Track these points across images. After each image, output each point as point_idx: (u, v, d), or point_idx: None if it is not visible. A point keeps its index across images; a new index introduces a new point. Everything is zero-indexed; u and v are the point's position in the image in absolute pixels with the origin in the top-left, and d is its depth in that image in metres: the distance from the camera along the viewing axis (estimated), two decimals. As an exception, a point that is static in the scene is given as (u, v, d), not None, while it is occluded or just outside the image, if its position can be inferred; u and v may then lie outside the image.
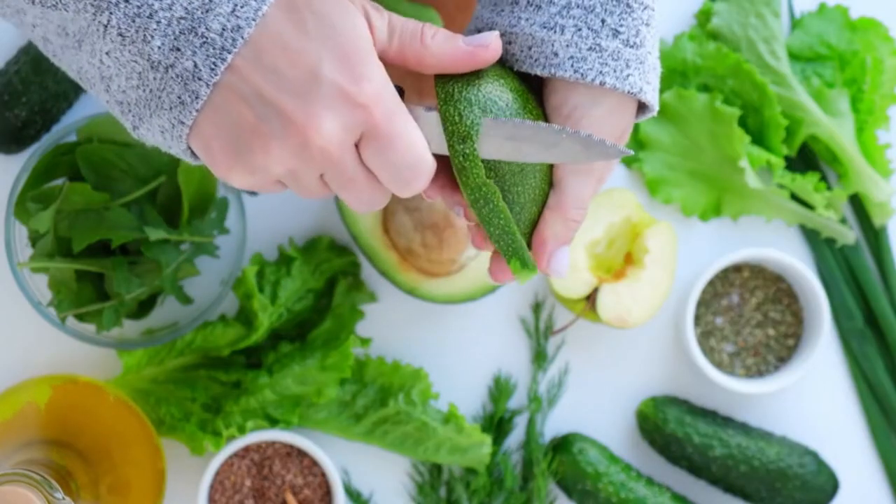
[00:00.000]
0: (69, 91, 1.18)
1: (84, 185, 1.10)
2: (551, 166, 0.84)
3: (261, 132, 0.78)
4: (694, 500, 1.25)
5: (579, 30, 0.82)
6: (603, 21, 0.82)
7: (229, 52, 0.77)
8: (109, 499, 1.10)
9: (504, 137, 0.81)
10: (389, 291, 1.23)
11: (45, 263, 1.11)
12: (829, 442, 1.25)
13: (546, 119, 0.84)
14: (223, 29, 0.77)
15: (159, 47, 0.78)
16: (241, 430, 1.16)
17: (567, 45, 0.82)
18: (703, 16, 1.25)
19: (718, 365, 1.23)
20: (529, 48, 0.83)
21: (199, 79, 0.78)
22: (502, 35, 0.84)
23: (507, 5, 0.85)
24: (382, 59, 0.81)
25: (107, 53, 0.79)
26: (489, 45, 0.81)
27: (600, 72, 0.82)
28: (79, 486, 1.08)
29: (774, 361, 1.24)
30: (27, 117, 1.17)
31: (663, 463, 1.25)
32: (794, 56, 1.24)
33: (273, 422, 1.17)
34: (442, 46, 0.81)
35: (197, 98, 0.78)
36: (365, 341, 1.20)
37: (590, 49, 0.82)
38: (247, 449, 1.18)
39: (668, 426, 1.21)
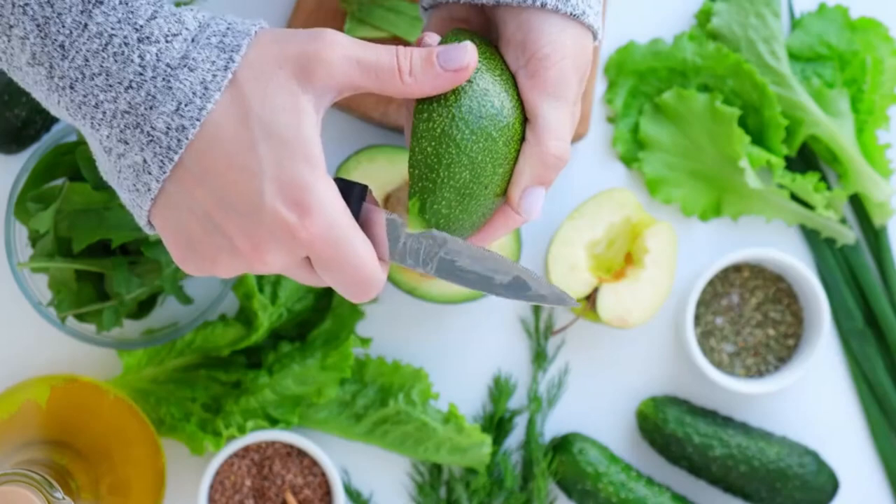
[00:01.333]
0: (69, 91, 1.18)
1: (84, 185, 1.10)
2: (521, 123, 0.83)
3: (208, 244, 0.79)
4: (694, 500, 1.25)
5: None
6: None
7: (175, 153, 0.77)
8: (109, 499, 1.10)
9: (467, 257, 0.81)
10: (389, 291, 1.23)
11: (45, 263, 1.11)
12: (829, 442, 1.25)
13: (502, 58, 0.83)
14: (168, 128, 0.76)
15: (107, 136, 0.78)
16: (241, 430, 1.16)
17: None
18: (703, 16, 1.25)
19: (718, 365, 1.23)
20: None
21: (150, 173, 0.78)
22: None
23: None
24: (367, 92, 0.81)
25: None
26: (466, 65, 0.79)
27: None
28: (79, 486, 1.08)
29: (774, 361, 1.24)
30: (27, 117, 1.17)
31: (663, 463, 1.25)
32: (794, 56, 1.24)
33: (273, 422, 1.17)
34: (422, 80, 0.80)
35: (149, 191, 0.78)
36: (365, 341, 1.20)
37: None
38: (247, 449, 1.18)
39: (668, 426, 1.21)
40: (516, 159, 0.83)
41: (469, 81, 0.81)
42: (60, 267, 1.11)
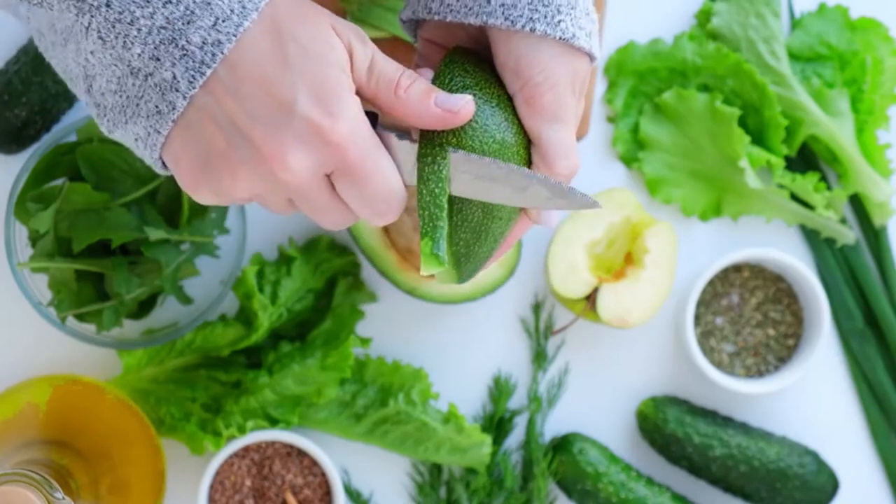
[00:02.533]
0: (69, 91, 1.18)
1: (84, 185, 1.10)
2: (525, 148, 0.83)
3: (229, 157, 0.78)
4: (694, 500, 1.25)
5: None
6: None
7: (209, 67, 0.77)
8: (109, 499, 1.10)
9: (474, 175, 0.81)
10: (389, 291, 1.23)
11: (45, 263, 1.11)
12: (829, 442, 1.25)
13: (498, 79, 0.84)
14: (203, 42, 0.77)
15: (139, 55, 0.77)
16: (241, 430, 1.16)
17: None
18: (703, 16, 1.25)
19: (718, 365, 1.23)
20: None
21: (177, 90, 0.78)
22: None
23: None
24: (358, 93, 0.81)
25: (91, 53, 0.79)
26: (459, 112, 0.80)
27: (530, 18, 0.81)
28: (79, 486, 1.08)
29: (774, 361, 1.24)
30: (27, 117, 1.17)
31: (663, 463, 1.25)
32: (794, 56, 1.24)
33: (273, 422, 1.17)
34: (414, 103, 0.80)
35: (174, 109, 0.78)
36: (365, 341, 1.20)
37: None
38: (247, 449, 1.18)
39: (668, 426, 1.21)
40: None
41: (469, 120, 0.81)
42: (60, 267, 1.11)
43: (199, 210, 1.15)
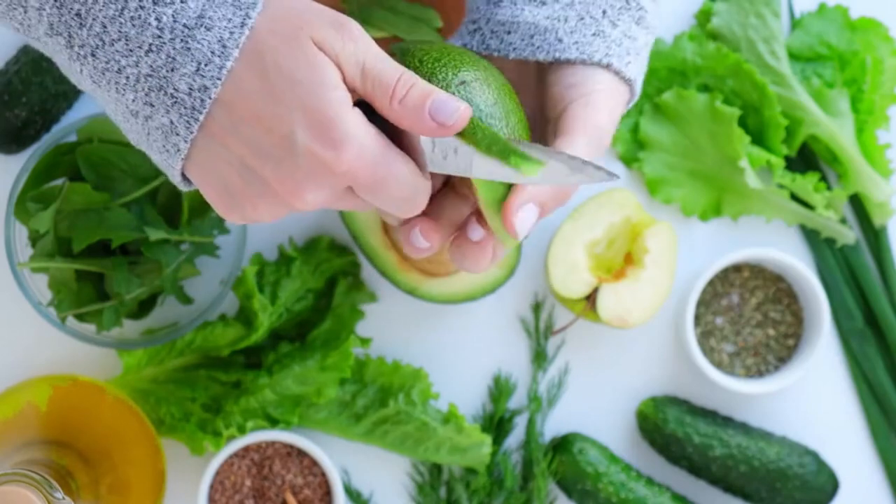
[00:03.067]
0: (69, 91, 1.18)
1: (84, 185, 1.10)
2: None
3: (247, 193, 0.79)
4: (694, 500, 1.25)
5: (582, 18, 0.85)
6: (604, 12, 0.85)
7: (200, 112, 0.77)
8: (109, 499, 1.10)
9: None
10: (389, 291, 1.23)
11: (45, 263, 1.11)
12: (829, 442, 1.25)
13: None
14: (190, 89, 0.77)
15: (133, 100, 0.78)
16: (241, 430, 1.16)
17: (571, 32, 0.85)
18: (703, 16, 1.25)
19: (718, 365, 1.23)
20: (531, 37, 0.85)
21: (178, 134, 0.78)
22: (501, 25, 0.85)
23: (508, 1, 0.86)
24: (353, 93, 0.80)
25: (93, 91, 0.80)
26: (453, 125, 0.79)
27: (606, 53, 0.84)
28: (79, 486, 1.08)
29: (774, 361, 1.24)
30: (27, 117, 1.17)
31: (663, 463, 1.25)
32: (794, 56, 1.24)
33: (273, 422, 1.17)
34: (409, 113, 0.79)
35: (178, 151, 0.79)
36: (365, 341, 1.20)
37: (594, 35, 0.85)
38: (247, 449, 1.18)
39: (668, 426, 1.21)
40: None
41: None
42: (60, 267, 1.11)
43: (199, 210, 1.15)
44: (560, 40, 0.84)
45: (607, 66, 0.84)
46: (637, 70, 0.86)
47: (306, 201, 0.78)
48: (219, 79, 0.77)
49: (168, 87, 0.77)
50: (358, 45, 0.79)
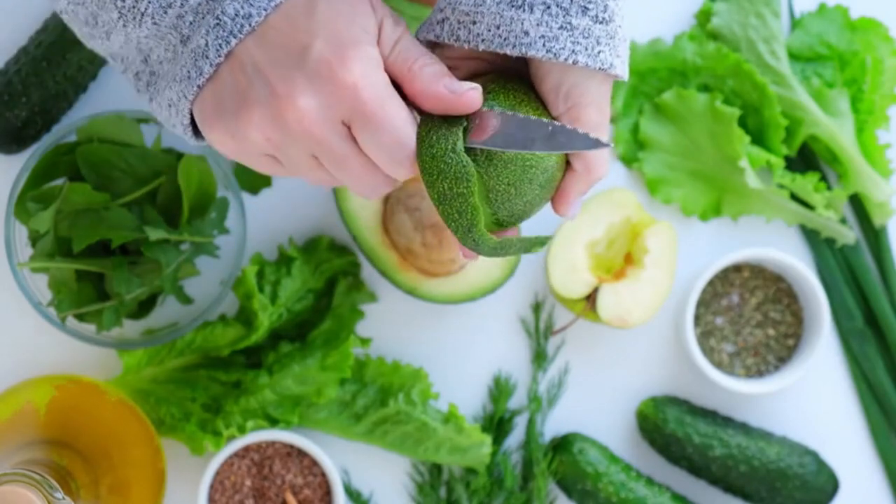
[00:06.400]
0: (69, 91, 1.18)
1: (84, 185, 1.10)
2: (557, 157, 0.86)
3: (247, 97, 0.81)
4: (694, 500, 1.25)
5: (548, 7, 0.83)
6: None
7: (235, 38, 0.81)
8: (109, 499, 1.10)
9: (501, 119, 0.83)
10: (389, 291, 1.23)
11: (45, 263, 1.11)
12: (829, 442, 1.25)
13: (543, 103, 0.86)
14: (236, 14, 0.81)
15: (181, 19, 0.82)
16: (241, 430, 1.16)
17: (537, 24, 0.83)
18: (703, 16, 1.25)
19: (718, 365, 1.23)
20: (497, 27, 0.83)
21: (206, 57, 0.81)
22: (466, 14, 0.84)
23: None
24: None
25: (145, 36, 0.84)
26: (462, 95, 0.82)
27: (573, 51, 0.83)
28: (79, 486, 1.08)
29: (774, 361, 1.24)
30: (27, 117, 1.17)
31: (663, 463, 1.25)
32: (794, 56, 1.24)
33: (273, 422, 1.17)
34: (423, 79, 0.82)
35: (200, 74, 0.82)
36: (365, 341, 1.20)
37: (560, 28, 0.83)
38: (247, 449, 1.18)
39: (668, 426, 1.21)
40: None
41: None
42: (60, 267, 1.11)
43: (199, 210, 1.15)
44: (526, 33, 0.83)
45: (574, 64, 0.83)
46: (609, 55, 0.84)
47: (298, 105, 0.79)
48: (265, 10, 0.80)
49: (217, 9, 0.81)
50: (399, 28, 0.83)
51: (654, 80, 1.24)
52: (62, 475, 1.07)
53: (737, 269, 1.24)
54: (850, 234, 1.24)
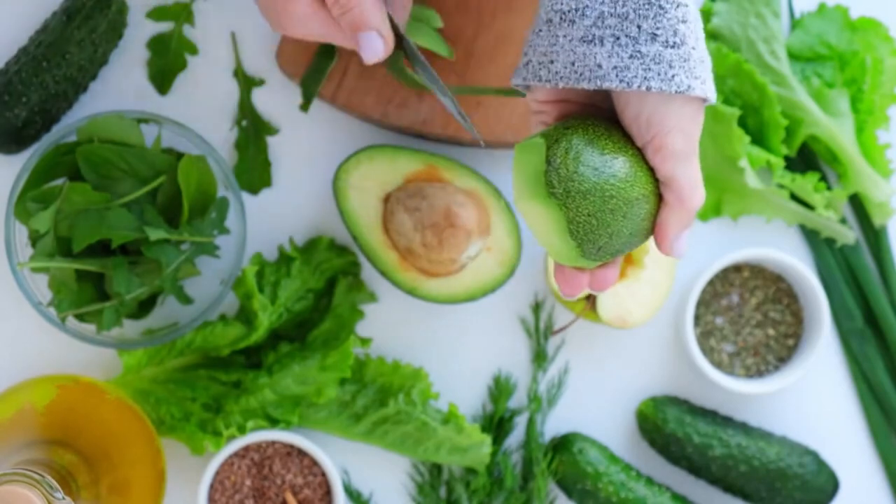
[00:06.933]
0: (69, 91, 1.18)
1: (84, 185, 1.10)
2: (652, 188, 0.87)
3: None
4: (694, 500, 1.25)
5: (617, 39, 0.84)
6: (639, 27, 0.84)
7: None
8: (109, 499, 1.10)
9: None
10: (389, 291, 1.23)
11: (45, 263, 1.11)
12: (829, 442, 1.25)
13: (628, 138, 0.87)
14: None
15: None
16: (241, 430, 1.16)
17: (609, 56, 0.84)
18: (703, 16, 1.25)
19: (718, 365, 1.23)
20: (573, 63, 0.85)
21: None
22: (544, 55, 0.86)
23: (543, 24, 0.86)
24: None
25: None
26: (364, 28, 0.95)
27: (645, 77, 0.84)
28: (79, 486, 1.08)
29: (774, 361, 1.24)
30: (27, 117, 1.17)
31: (663, 463, 1.25)
32: (794, 56, 1.24)
33: (273, 422, 1.17)
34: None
35: None
36: (365, 341, 1.20)
37: (631, 57, 0.84)
38: (247, 449, 1.18)
39: (668, 426, 1.21)
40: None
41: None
42: (60, 267, 1.11)
43: (199, 210, 1.15)
44: (599, 66, 0.84)
45: (648, 90, 0.84)
46: (685, 77, 0.84)
47: None
48: None
49: None
50: None
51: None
52: (62, 475, 1.07)
53: (737, 269, 1.24)
54: (850, 234, 1.24)
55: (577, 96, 0.89)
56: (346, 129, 1.22)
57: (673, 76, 0.84)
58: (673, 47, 0.84)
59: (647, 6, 0.84)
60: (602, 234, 0.85)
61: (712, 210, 1.24)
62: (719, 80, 1.22)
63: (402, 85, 1.18)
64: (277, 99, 1.22)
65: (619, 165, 0.85)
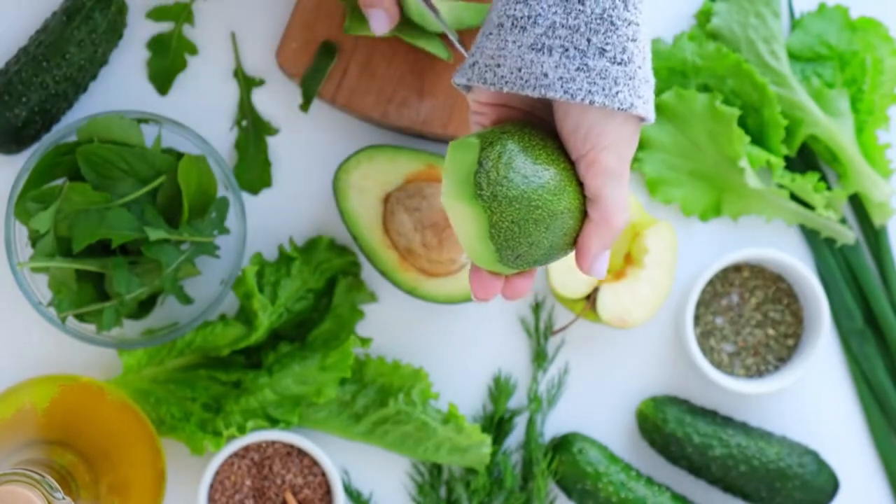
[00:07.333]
0: (69, 91, 1.18)
1: (84, 185, 1.10)
2: (577, 200, 0.86)
3: None
4: (694, 500, 1.25)
5: (566, 50, 0.84)
6: (588, 40, 0.84)
7: None
8: (109, 499, 1.10)
9: None
10: (389, 291, 1.23)
11: (45, 263, 1.11)
12: (829, 442, 1.25)
13: (562, 149, 0.87)
14: None
15: None
16: (241, 430, 1.16)
17: (556, 66, 0.84)
18: (703, 16, 1.25)
19: (718, 365, 1.23)
20: (519, 69, 0.85)
21: None
22: (491, 58, 0.86)
23: (494, 28, 0.86)
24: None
25: None
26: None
27: (589, 91, 0.84)
28: (79, 486, 1.08)
29: (774, 361, 1.24)
30: (27, 117, 1.17)
31: (663, 463, 1.25)
32: (794, 56, 1.24)
33: (273, 422, 1.17)
34: None
35: None
36: (365, 341, 1.20)
37: (577, 69, 0.84)
38: (247, 449, 1.18)
39: (668, 426, 1.21)
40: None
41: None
42: (60, 267, 1.11)
43: (199, 210, 1.15)
44: (545, 75, 0.84)
45: (591, 104, 0.84)
46: (629, 95, 0.85)
47: None
48: None
49: None
50: None
51: (655, 80, 1.24)
52: (62, 475, 1.07)
53: (737, 269, 1.24)
54: (849, 234, 1.24)
55: (518, 102, 0.89)
56: (346, 129, 1.22)
57: (617, 93, 0.84)
58: (620, 64, 0.84)
59: (598, 21, 0.84)
60: (522, 242, 0.85)
61: (712, 210, 1.24)
62: (719, 79, 1.22)
63: (402, 84, 1.18)
64: (277, 99, 1.22)
65: (549, 176, 0.85)
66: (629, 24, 0.84)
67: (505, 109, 0.89)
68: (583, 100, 0.84)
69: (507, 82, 0.85)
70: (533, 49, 0.84)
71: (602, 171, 0.85)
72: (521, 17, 0.85)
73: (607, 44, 0.84)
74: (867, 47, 1.24)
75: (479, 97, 0.89)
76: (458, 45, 1.00)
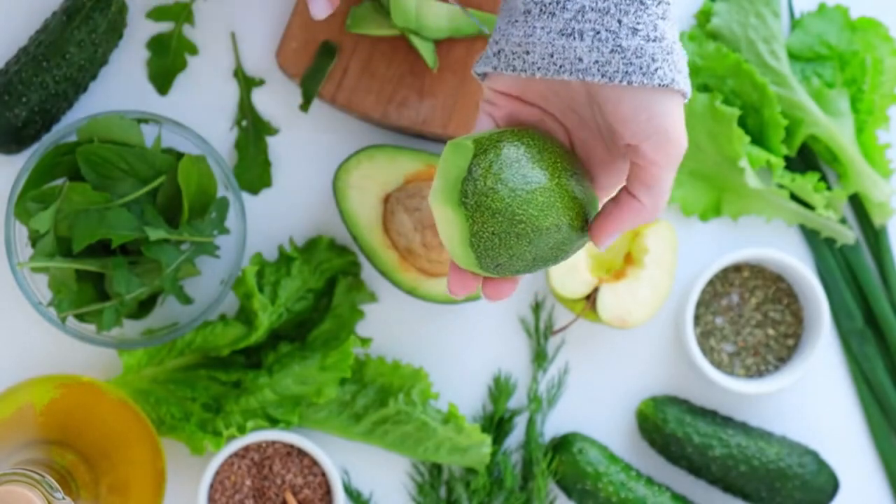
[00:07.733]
0: (69, 91, 1.18)
1: (84, 185, 1.10)
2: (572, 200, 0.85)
3: None
4: (694, 500, 1.25)
5: (598, 33, 0.83)
6: (619, 21, 0.83)
7: None
8: (109, 499, 1.10)
9: None
10: (389, 291, 1.23)
11: (45, 263, 1.11)
12: (829, 442, 1.25)
13: (559, 155, 0.86)
14: None
15: None
16: (241, 430, 1.16)
17: (589, 51, 0.83)
18: (703, 16, 1.25)
19: (718, 365, 1.23)
20: (551, 55, 0.84)
21: None
22: (518, 45, 0.85)
23: (520, 15, 0.85)
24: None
25: None
26: None
27: (626, 72, 0.83)
28: (79, 486, 1.08)
29: (774, 361, 1.24)
30: (27, 117, 1.17)
31: (663, 463, 1.25)
32: (794, 56, 1.24)
33: (273, 422, 1.17)
34: None
35: None
36: (365, 341, 1.20)
37: (612, 51, 0.83)
38: (247, 449, 1.18)
39: (668, 426, 1.21)
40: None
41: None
42: (60, 267, 1.11)
43: (199, 210, 1.15)
44: (580, 59, 0.83)
45: (629, 84, 0.82)
46: (669, 71, 0.83)
47: None
48: None
49: None
50: None
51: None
52: (62, 475, 1.07)
53: (737, 269, 1.24)
54: (849, 234, 1.24)
55: (534, 97, 0.88)
56: (346, 129, 1.22)
57: (656, 69, 0.83)
58: (654, 41, 0.83)
59: (628, 2, 0.83)
60: (503, 253, 0.84)
61: (712, 210, 1.24)
62: (719, 79, 1.22)
63: (402, 84, 1.18)
64: (277, 99, 1.22)
65: (538, 192, 0.84)
66: (659, 3, 0.84)
67: (518, 104, 0.88)
68: (620, 81, 0.83)
69: (539, 68, 0.84)
70: (563, 34, 0.84)
71: (665, 158, 0.84)
72: (550, 3, 0.84)
73: (639, 23, 0.83)
74: (867, 47, 1.24)
75: (496, 85, 0.88)
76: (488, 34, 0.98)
